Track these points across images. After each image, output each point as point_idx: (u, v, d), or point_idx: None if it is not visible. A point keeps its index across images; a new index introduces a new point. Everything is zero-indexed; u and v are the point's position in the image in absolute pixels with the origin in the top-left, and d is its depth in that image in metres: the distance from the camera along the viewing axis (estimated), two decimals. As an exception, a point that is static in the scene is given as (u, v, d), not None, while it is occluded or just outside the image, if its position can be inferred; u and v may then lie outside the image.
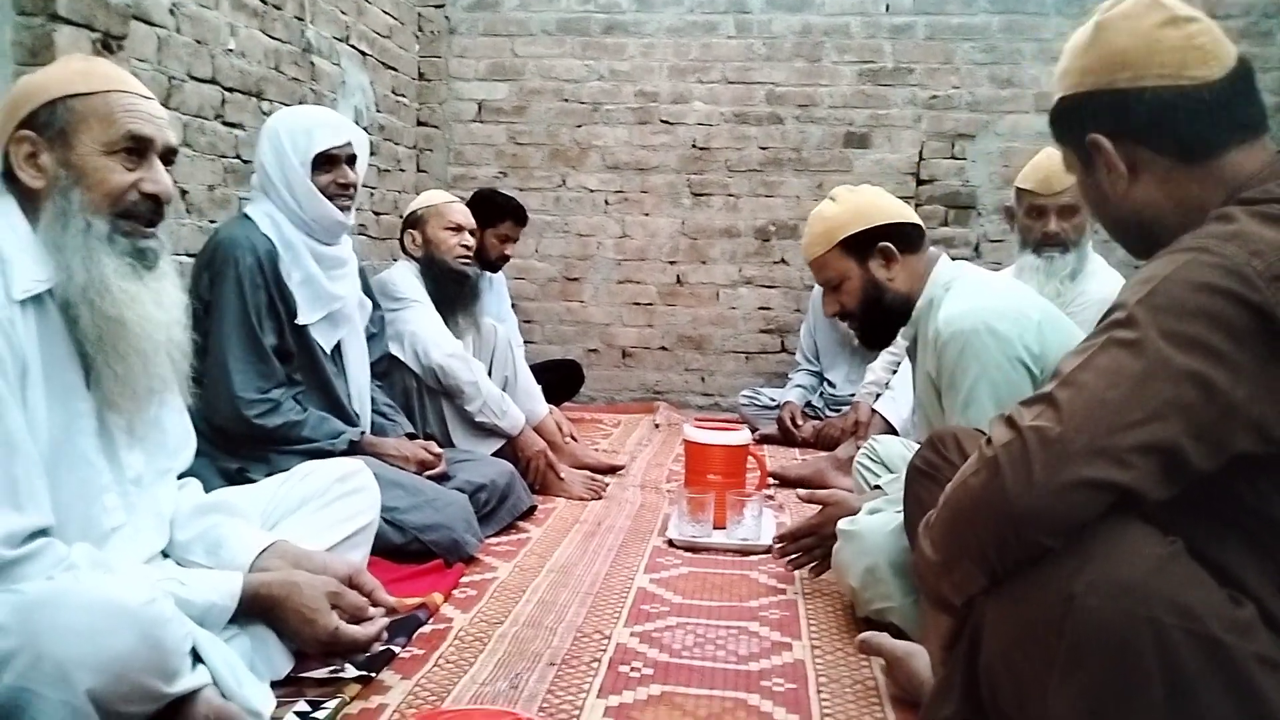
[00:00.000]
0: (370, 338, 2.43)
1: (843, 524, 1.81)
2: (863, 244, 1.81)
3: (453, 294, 2.86)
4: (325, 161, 2.16)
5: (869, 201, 1.85)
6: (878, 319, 1.85)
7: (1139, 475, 0.90)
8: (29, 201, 1.33)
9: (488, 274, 3.69)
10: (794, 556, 2.01)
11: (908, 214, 1.86)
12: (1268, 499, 0.95)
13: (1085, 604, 0.90)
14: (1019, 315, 1.65)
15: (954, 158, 4.37)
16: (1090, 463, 0.90)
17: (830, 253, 1.83)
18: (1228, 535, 0.96)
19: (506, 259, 3.70)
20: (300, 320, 2.13)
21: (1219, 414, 0.90)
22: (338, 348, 2.25)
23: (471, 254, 2.93)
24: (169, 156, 1.41)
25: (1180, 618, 0.89)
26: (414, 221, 2.92)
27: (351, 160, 2.21)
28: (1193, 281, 0.92)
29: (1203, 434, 0.90)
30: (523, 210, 3.68)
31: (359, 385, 2.32)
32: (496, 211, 3.51)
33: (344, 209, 2.20)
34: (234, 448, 2.03)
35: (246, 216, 2.16)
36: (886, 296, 1.82)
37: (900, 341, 3.09)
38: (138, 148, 1.36)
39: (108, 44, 2.18)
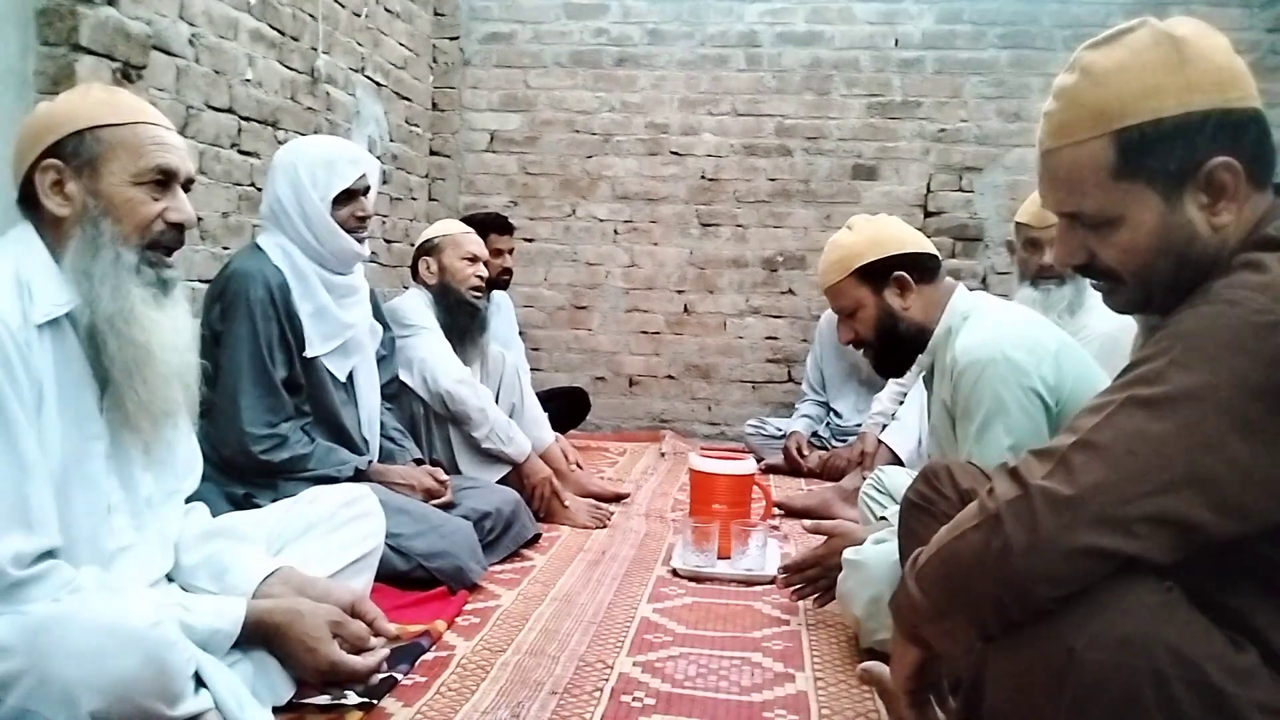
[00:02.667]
0: (380, 360, 2.44)
1: (848, 553, 1.81)
2: (878, 273, 1.81)
3: (464, 323, 2.87)
4: (344, 196, 2.17)
5: (885, 231, 1.86)
6: (892, 348, 1.86)
7: (1147, 546, 0.88)
8: (50, 228, 1.36)
9: (494, 296, 3.71)
10: (798, 587, 2.00)
11: (924, 244, 1.86)
12: None
13: (1086, 658, 0.89)
14: (1036, 345, 1.64)
15: (962, 190, 4.40)
16: (1098, 531, 0.87)
17: (845, 281, 1.84)
18: (1236, 579, 0.94)
19: (509, 272, 3.69)
20: (309, 353, 2.13)
21: (1241, 484, 0.86)
22: (350, 375, 2.26)
23: (484, 285, 2.95)
24: (188, 185, 1.45)
25: (1182, 668, 0.87)
26: (429, 249, 2.94)
27: (367, 191, 2.23)
28: (1221, 340, 0.88)
29: (1223, 506, 0.87)
30: (502, 219, 3.66)
31: (370, 412, 2.33)
32: (477, 230, 3.29)
33: (360, 240, 2.22)
34: (240, 474, 2.04)
35: (258, 247, 2.17)
36: (901, 326, 1.82)
37: (911, 371, 3.16)
38: (163, 179, 1.39)
39: (128, 74, 2.22)
